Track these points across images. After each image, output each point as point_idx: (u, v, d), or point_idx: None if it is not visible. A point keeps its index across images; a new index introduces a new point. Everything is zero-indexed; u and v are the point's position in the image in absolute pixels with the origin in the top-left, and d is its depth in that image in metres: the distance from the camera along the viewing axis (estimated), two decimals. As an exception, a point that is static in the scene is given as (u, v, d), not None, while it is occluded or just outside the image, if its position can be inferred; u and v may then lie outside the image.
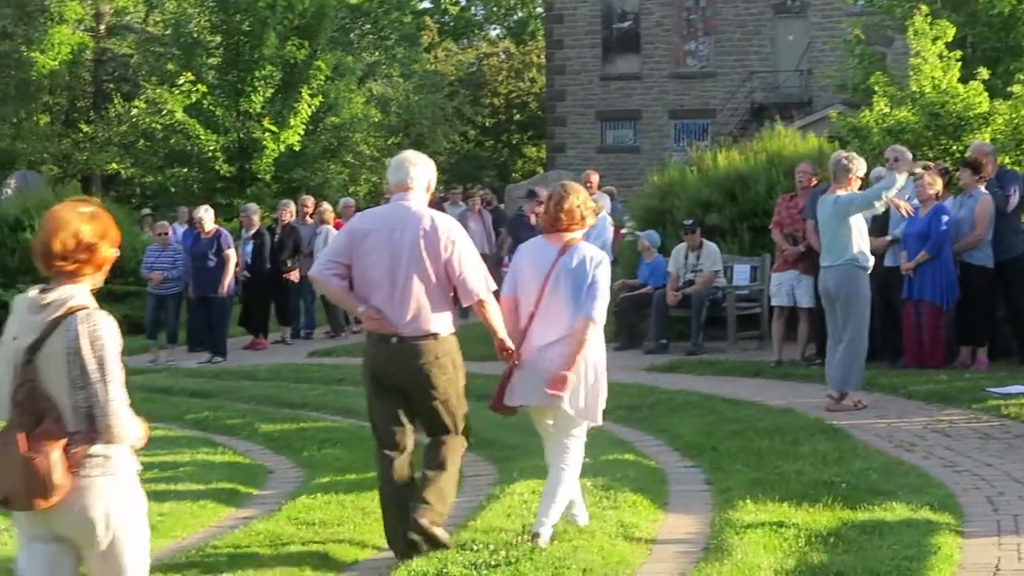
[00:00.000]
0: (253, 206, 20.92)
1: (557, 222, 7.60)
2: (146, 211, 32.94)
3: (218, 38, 33.99)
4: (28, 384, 4.91)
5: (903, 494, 8.35)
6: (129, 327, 15.64)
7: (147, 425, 5.11)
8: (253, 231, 20.11)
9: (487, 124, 58.58)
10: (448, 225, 7.32)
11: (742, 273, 17.36)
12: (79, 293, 5.01)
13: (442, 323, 7.30)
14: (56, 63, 42.41)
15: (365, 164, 41.47)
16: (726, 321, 16.97)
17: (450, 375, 7.34)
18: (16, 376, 4.96)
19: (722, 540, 7.39)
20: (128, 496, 5.04)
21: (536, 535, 7.32)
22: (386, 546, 7.64)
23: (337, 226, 21.26)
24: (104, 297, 21.46)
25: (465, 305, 7.38)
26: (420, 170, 7.45)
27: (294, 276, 20.27)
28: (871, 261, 12.01)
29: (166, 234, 19.92)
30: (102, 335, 4.90)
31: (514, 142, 63.83)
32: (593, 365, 7.47)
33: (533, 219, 18.80)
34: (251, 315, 20.28)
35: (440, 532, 7.32)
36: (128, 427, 4.95)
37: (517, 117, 62.94)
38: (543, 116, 54.76)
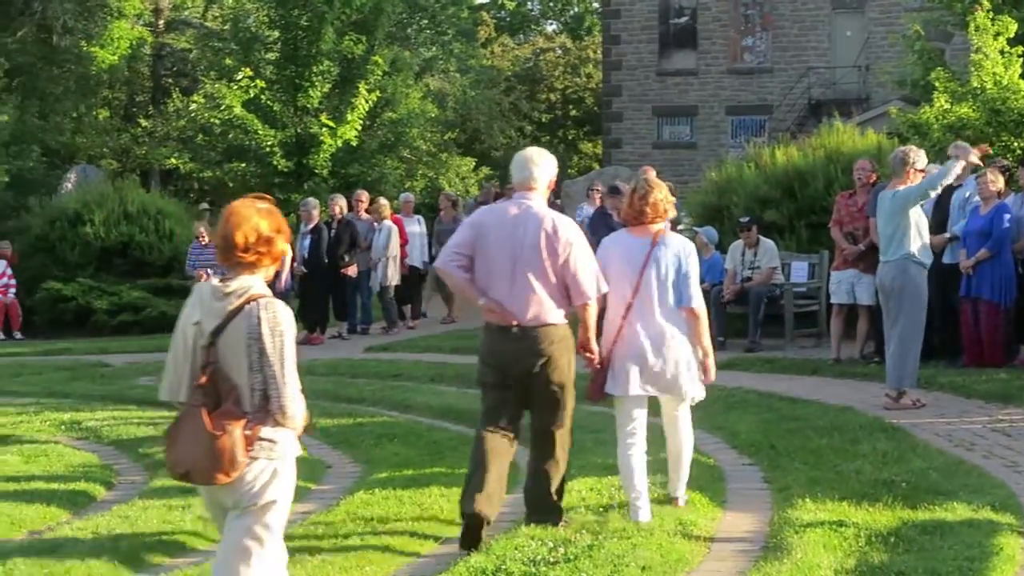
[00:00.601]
0: (313, 200, 20.97)
1: (642, 215, 7.95)
2: (204, 206, 33.02)
3: (276, 33, 34.07)
4: (211, 366, 5.24)
5: (964, 494, 8.28)
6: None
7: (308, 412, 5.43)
8: (312, 225, 20.16)
9: (543, 120, 58.56)
10: (568, 227, 7.52)
11: (800, 270, 17.27)
12: (257, 283, 5.35)
13: (558, 315, 7.51)
14: (115, 58, 42.62)
15: (421, 159, 41.45)
16: (783, 318, 16.87)
17: (568, 359, 7.58)
18: (198, 358, 5.28)
19: (781, 539, 7.36)
20: (287, 478, 5.38)
21: (675, 498, 8.25)
22: (443, 541, 7.74)
23: (395, 221, 21.35)
24: (161, 292, 21.56)
25: (576, 304, 7.53)
26: (543, 170, 7.64)
27: (351, 271, 20.32)
28: (931, 258, 11.91)
29: (200, 236, 21.76)
30: (281, 322, 5.25)
31: (570, 138, 63.77)
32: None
33: (616, 216, 18.65)
34: (309, 310, 20.32)
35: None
36: (299, 409, 5.28)
37: (573, 113, 62.89)
38: (599, 112, 54.69)
